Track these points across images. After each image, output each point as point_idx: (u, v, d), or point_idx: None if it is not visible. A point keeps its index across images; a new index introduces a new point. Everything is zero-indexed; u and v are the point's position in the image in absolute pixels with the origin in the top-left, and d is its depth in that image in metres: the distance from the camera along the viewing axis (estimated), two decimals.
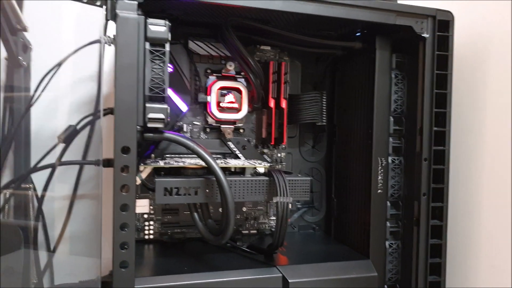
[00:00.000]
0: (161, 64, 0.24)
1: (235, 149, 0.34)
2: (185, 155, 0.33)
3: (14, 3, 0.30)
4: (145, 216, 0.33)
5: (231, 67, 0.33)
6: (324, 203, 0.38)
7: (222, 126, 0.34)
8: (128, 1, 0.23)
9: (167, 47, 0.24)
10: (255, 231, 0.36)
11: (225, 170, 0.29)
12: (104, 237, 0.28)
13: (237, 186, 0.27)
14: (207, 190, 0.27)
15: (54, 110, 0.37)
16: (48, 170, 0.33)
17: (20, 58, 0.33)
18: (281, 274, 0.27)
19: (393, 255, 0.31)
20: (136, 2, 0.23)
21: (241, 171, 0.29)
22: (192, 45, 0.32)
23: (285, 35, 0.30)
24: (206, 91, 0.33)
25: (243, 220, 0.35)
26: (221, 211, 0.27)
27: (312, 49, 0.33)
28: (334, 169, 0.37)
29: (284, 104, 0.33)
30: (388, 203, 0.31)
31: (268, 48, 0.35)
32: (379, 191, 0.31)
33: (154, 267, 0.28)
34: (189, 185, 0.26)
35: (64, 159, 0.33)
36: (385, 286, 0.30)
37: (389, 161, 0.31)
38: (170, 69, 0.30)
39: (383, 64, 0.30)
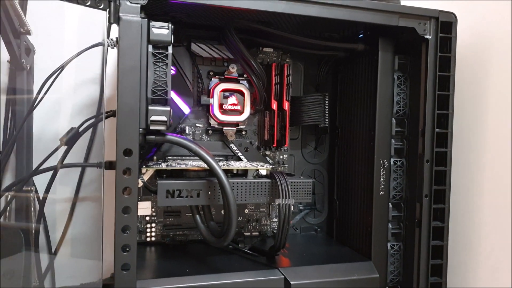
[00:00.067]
0: (164, 67, 0.24)
1: (237, 151, 0.34)
2: (187, 158, 0.33)
3: (18, 7, 0.30)
4: (147, 218, 0.33)
5: (233, 69, 0.33)
6: (326, 204, 0.38)
7: (224, 128, 0.34)
8: (131, 4, 0.23)
9: (170, 49, 0.24)
10: (257, 233, 0.36)
11: (227, 172, 0.29)
12: (105, 239, 0.28)
13: (239, 188, 0.28)
14: (209, 192, 0.27)
15: (56, 112, 0.37)
16: (50, 173, 0.33)
17: (23, 61, 0.33)
18: (283, 276, 0.27)
19: (394, 256, 0.31)
20: (139, 5, 0.23)
21: (243, 173, 0.29)
22: (194, 47, 0.32)
23: (288, 37, 0.30)
24: (209, 93, 0.33)
25: (245, 222, 0.35)
26: (223, 213, 0.27)
27: (314, 51, 0.33)
28: (336, 171, 0.37)
29: (286, 106, 0.34)
30: (390, 205, 0.31)
31: (271, 50, 0.35)
32: (381, 192, 0.31)
33: (156, 270, 0.28)
34: (191, 187, 0.26)
35: (66, 161, 0.33)
36: (387, 287, 0.30)
37: (391, 162, 0.31)
38: (172, 71, 0.30)
39: (386, 66, 0.30)
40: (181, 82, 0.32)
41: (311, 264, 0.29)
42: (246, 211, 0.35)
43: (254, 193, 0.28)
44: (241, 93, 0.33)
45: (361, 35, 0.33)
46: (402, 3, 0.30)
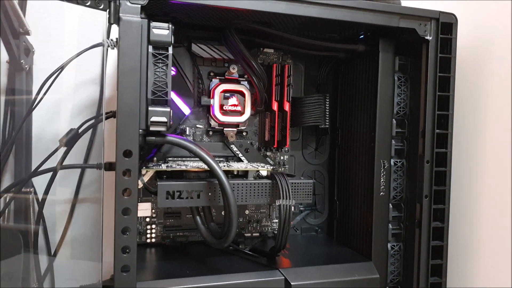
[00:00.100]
0: (164, 67, 0.24)
1: (238, 152, 0.34)
2: (188, 159, 0.33)
3: (17, 7, 0.30)
4: (147, 219, 0.32)
5: (234, 70, 0.33)
6: (327, 205, 0.38)
7: (225, 129, 0.33)
8: (131, 4, 0.23)
9: (170, 50, 0.24)
10: (257, 234, 0.36)
11: (228, 173, 0.29)
12: (105, 240, 0.28)
13: (239, 189, 0.27)
14: (209, 194, 0.27)
15: (56, 113, 0.37)
16: (49, 174, 0.33)
17: (22, 61, 0.33)
18: (283, 277, 0.27)
19: (395, 257, 0.31)
20: (139, 6, 0.23)
21: (244, 174, 0.29)
22: (195, 48, 0.32)
23: (289, 37, 0.30)
24: (209, 94, 0.33)
25: (245, 223, 0.35)
26: (223, 214, 0.27)
27: (315, 52, 0.33)
28: (336, 171, 0.37)
29: (287, 107, 0.33)
30: (390, 205, 0.31)
31: (271, 51, 0.35)
32: (382, 193, 0.31)
33: (156, 271, 0.28)
34: (191, 188, 0.26)
35: (65, 162, 0.32)
36: (387, 287, 0.30)
37: (392, 163, 0.31)
38: (173, 72, 0.30)
39: (386, 67, 0.30)
40: (182, 82, 0.32)
41: (312, 264, 0.29)
42: (247, 212, 0.35)
43: (255, 194, 0.28)
44: (241, 94, 0.33)
45: (362, 36, 0.33)
46: (403, 3, 0.30)
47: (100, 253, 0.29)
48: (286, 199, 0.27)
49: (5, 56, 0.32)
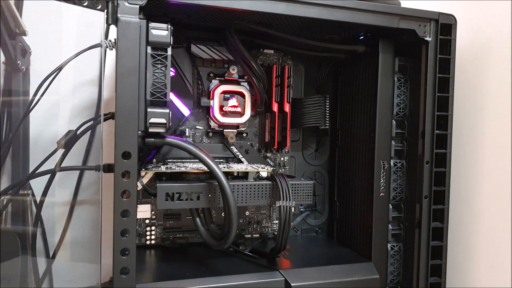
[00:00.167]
0: (163, 69, 0.24)
1: (238, 153, 0.34)
2: (187, 160, 0.32)
3: (13, 7, 0.29)
4: (147, 221, 0.32)
5: (234, 71, 0.33)
6: (327, 206, 0.38)
7: (225, 130, 0.33)
8: (129, 5, 0.23)
9: (169, 51, 0.24)
10: (258, 235, 0.35)
11: (228, 174, 0.29)
12: (104, 242, 0.28)
13: (239, 190, 0.27)
14: (209, 195, 0.27)
15: (54, 115, 0.36)
16: (48, 176, 0.32)
17: (19, 62, 0.32)
18: (283, 278, 0.27)
19: (395, 257, 0.31)
20: (137, 6, 0.23)
21: (244, 175, 0.29)
22: (194, 48, 0.32)
23: (289, 38, 0.30)
24: (209, 95, 0.33)
25: (245, 224, 0.35)
26: (223, 215, 0.27)
27: (315, 53, 0.33)
28: (336, 172, 0.37)
29: (287, 108, 0.33)
30: (390, 206, 0.31)
31: (271, 51, 0.35)
32: (381, 194, 0.31)
33: (156, 273, 0.27)
34: (191, 190, 0.26)
35: (64, 164, 0.32)
36: (387, 287, 0.30)
37: (391, 164, 0.31)
38: (172, 73, 0.30)
39: (386, 68, 0.30)
40: (181, 83, 0.32)
41: (312, 265, 0.29)
42: (247, 213, 0.35)
43: (255, 195, 0.28)
44: (241, 95, 0.33)
45: (362, 37, 0.33)
46: (402, 4, 0.30)
47: (99, 255, 0.29)
48: (286, 200, 0.27)
49: (1, 57, 0.32)
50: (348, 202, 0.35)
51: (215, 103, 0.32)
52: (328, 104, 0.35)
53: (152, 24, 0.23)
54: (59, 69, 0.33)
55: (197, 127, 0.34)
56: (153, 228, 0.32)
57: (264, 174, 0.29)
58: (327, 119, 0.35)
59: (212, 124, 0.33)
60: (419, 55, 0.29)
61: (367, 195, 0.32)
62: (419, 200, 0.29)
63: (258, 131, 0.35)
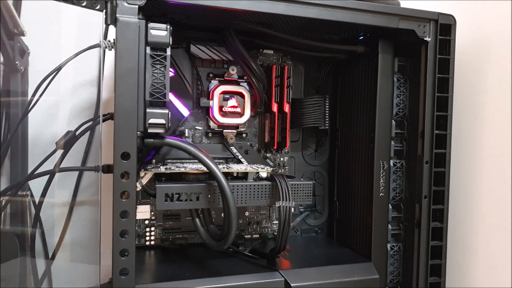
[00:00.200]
0: (162, 69, 0.24)
1: (237, 153, 0.34)
2: (187, 161, 0.32)
3: (12, 7, 0.29)
4: (146, 222, 0.32)
5: (233, 71, 0.33)
6: (327, 206, 0.38)
7: (224, 130, 0.33)
8: (128, 5, 0.23)
9: (168, 51, 0.24)
10: (257, 236, 0.35)
11: (227, 175, 0.29)
12: (104, 243, 0.28)
13: (239, 191, 0.27)
14: (209, 196, 0.26)
15: (52, 115, 0.36)
16: (47, 177, 0.32)
17: (17, 62, 0.32)
18: (283, 278, 0.27)
19: (394, 257, 0.31)
20: (136, 6, 0.23)
21: (244, 175, 0.29)
22: (194, 49, 0.32)
23: (288, 39, 0.30)
24: (208, 96, 0.33)
25: (245, 224, 0.35)
26: (223, 216, 0.27)
27: (315, 53, 0.33)
28: (336, 172, 0.37)
29: (287, 108, 0.33)
30: (390, 206, 0.31)
31: (271, 52, 0.35)
32: (381, 194, 0.31)
33: (156, 274, 0.27)
34: (190, 190, 0.26)
35: (63, 165, 0.32)
36: (386, 287, 0.30)
37: (391, 164, 0.31)
38: (171, 73, 0.30)
39: (386, 68, 0.30)
40: (180, 84, 0.32)
41: (312, 266, 0.29)
42: (247, 213, 0.35)
43: (255, 196, 0.28)
44: (241, 95, 0.33)
45: (361, 37, 0.33)
46: (402, 5, 0.30)
47: (98, 256, 0.29)
48: (286, 200, 0.27)
49: None
50: (347, 202, 0.35)
51: (215, 103, 0.32)
52: (327, 104, 0.35)
53: (151, 24, 0.23)
54: (58, 69, 0.33)
55: (196, 127, 0.33)
56: (152, 228, 0.32)
57: (263, 174, 0.29)
58: (327, 120, 0.35)
59: (212, 124, 0.33)
60: (419, 55, 0.29)
61: (366, 195, 0.32)
62: (419, 200, 0.29)
63: (258, 132, 0.35)
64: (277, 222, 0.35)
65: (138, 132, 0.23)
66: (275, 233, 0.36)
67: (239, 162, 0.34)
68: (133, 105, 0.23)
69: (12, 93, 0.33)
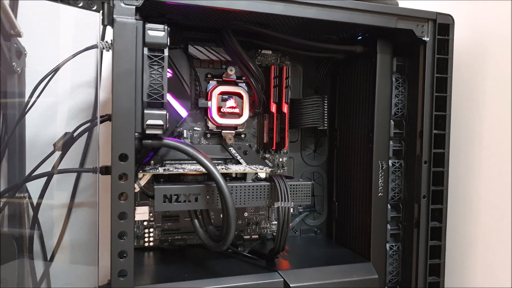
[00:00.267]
0: (160, 70, 0.24)
1: (236, 154, 0.34)
2: (185, 161, 0.32)
3: (8, 8, 0.29)
4: (145, 223, 0.32)
5: (232, 72, 0.33)
6: (326, 206, 0.38)
7: (223, 131, 0.33)
8: (125, 5, 0.22)
9: (166, 52, 0.24)
10: (256, 236, 0.35)
11: (226, 175, 0.29)
12: (102, 245, 0.28)
13: (238, 191, 0.27)
14: (207, 197, 0.26)
15: (50, 116, 0.36)
16: (44, 178, 0.32)
17: (14, 64, 0.32)
18: (282, 279, 0.27)
19: (393, 257, 0.31)
20: (133, 7, 0.23)
21: (243, 176, 0.29)
22: (192, 49, 0.32)
23: (286, 39, 0.30)
24: (207, 96, 0.33)
25: (244, 225, 0.35)
26: (222, 217, 0.27)
27: (313, 53, 0.33)
28: (335, 172, 0.37)
29: (285, 108, 0.33)
30: (389, 206, 0.31)
31: (269, 52, 0.35)
32: (380, 194, 0.31)
33: (154, 275, 0.27)
34: (189, 191, 0.26)
35: (61, 166, 0.32)
36: (386, 287, 0.30)
37: (390, 164, 0.31)
38: (169, 74, 0.30)
39: (384, 68, 0.30)
40: (178, 85, 0.32)
41: (311, 266, 0.29)
42: (246, 214, 0.35)
43: (253, 197, 0.28)
44: (239, 95, 0.33)
45: (360, 37, 0.33)
46: (400, 4, 0.30)
47: (96, 257, 0.29)
48: (285, 201, 0.27)
49: None
50: (346, 203, 0.35)
51: (213, 104, 0.32)
52: (326, 104, 0.35)
53: (148, 25, 0.23)
54: (56, 70, 0.33)
55: (195, 128, 0.33)
56: (151, 230, 0.32)
57: (262, 175, 0.29)
58: (326, 120, 0.35)
59: (210, 125, 0.33)
60: (417, 55, 0.29)
61: (365, 195, 0.32)
62: (418, 200, 0.29)
63: (257, 132, 0.35)
64: (276, 222, 0.35)
65: (136, 134, 0.23)
66: (274, 234, 0.36)
67: (238, 162, 0.34)
68: (130, 106, 0.23)
69: (9, 94, 0.33)
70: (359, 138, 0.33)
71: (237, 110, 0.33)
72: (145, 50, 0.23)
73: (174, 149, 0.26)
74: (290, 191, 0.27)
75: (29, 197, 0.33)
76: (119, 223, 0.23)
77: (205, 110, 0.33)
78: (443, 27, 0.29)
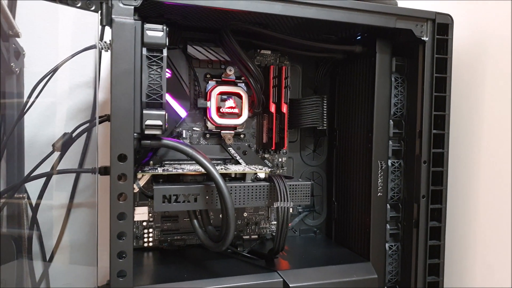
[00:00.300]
0: (159, 70, 0.24)
1: (235, 154, 0.34)
2: (185, 162, 0.32)
3: (6, 9, 0.29)
4: (144, 223, 0.32)
5: (231, 72, 0.33)
6: (325, 206, 0.38)
7: (222, 131, 0.33)
8: (123, 6, 0.22)
9: (165, 52, 0.24)
10: (256, 236, 0.35)
11: (225, 176, 0.29)
12: (102, 245, 0.28)
13: (237, 192, 0.27)
14: (206, 197, 0.26)
15: (49, 117, 0.36)
16: (43, 179, 0.32)
17: (12, 64, 0.32)
18: (282, 279, 0.27)
19: (393, 257, 0.31)
20: (132, 7, 0.22)
21: (242, 176, 0.29)
22: (191, 49, 0.32)
23: (285, 39, 0.30)
24: (206, 96, 0.33)
25: (244, 225, 0.35)
26: (221, 217, 0.27)
27: (312, 53, 0.33)
28: (334, 172, 0.37)
29: (284, 108, 0.33)
30: (388, 206, 0.31)
31: (269, 52, 0.35)
32: (379, 194, 0.31)
33: (154, 275, 0.27)
34: (188, 192, 0.26)
35: (60, 167, 0.32)
36: (385, 287, 0.31)
37: (389, 164, 0.31)
38: (168, 74, 0.30)
39: (383, 68, 0.30)
40: (177, 85, 0.32)
41: (310, 266, 0.29)
42: (245, 214, 0.35)
43: (253, 197, 0.28)
44: (239, 96, 0.33)
45: (359, 37, 0.33)
46: (399, 4, 0.30)
47: (95, 258, 0.29)
48: (284, 201, 0.27)
49: None
50: (346, 203, 0.35)
51: (212, 104, 0.32)
52: (325, 104, 0.35)
53: (147, 25, 0.23)
54: (54, 71, 0.33)
55: (194, 128, 0.33)
56: (150, 230, 0.32)
57: (262, 175, 0.29)
58: (325, 120, 0.35)
59: (209, 125, 0.33)
60: (416, 55, 0.29)
61: (365, 195, 0.32)
62: (417, 200, 0.29)
63: (256, 132, 0.35)
64: (275, 222, 0.35)
65: (135, 134, 0.23)
66: (274, 234, 0.36)
67: (237, 163, 0.34)
68: (129, 106, 0.23)
69: (7, 94, 0.33)
70: (358, 138, 0.33)
71: (236, 110, 0.33)
72: (144, 50, 0.23)
73: (173, 150, 0.26)
74: (290, 191, 0.27)
75: (28, 198, 0.33)
76: (118, 224, 0.23)
77: (204, 110, 0.33)
78: (442, 27, 0.29)
